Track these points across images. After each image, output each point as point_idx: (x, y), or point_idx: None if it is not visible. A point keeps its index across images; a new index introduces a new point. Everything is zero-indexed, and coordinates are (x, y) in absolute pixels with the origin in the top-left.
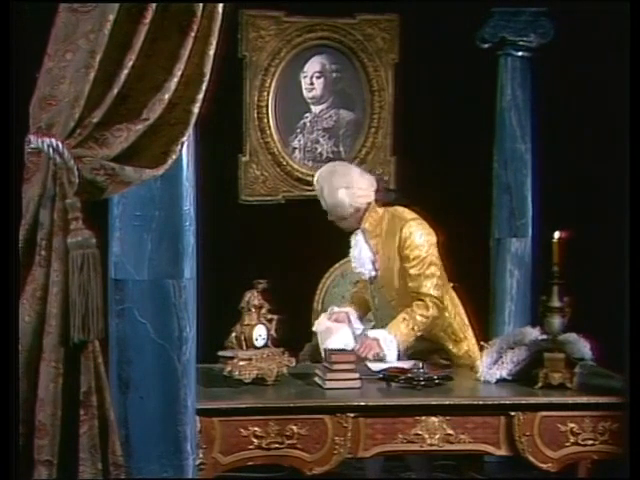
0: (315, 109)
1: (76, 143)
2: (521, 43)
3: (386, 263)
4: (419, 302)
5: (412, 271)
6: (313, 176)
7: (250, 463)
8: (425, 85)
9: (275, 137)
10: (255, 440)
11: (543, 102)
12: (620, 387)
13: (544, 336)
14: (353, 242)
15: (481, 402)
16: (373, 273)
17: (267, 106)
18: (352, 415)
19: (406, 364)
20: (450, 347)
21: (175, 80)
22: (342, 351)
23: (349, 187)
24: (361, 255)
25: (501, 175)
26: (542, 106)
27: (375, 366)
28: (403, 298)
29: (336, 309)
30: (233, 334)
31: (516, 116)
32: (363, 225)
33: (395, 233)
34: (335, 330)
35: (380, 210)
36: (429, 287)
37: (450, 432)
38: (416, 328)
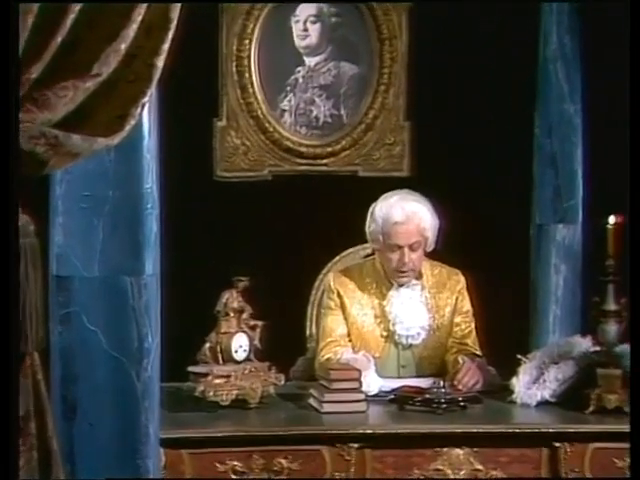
0: (309, 61)
1: None
2: None
3: (439, 322)
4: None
5: (464, 326)
6: (306, 146)
7: None
8: (447, 32)
9: (259, 96)
10: (235, 477)
11: (597, 52)
12: None
13: (596, 347)
14: (395, 295)
15: (517, 430)
16: (423, 336)
17: (249, 58)
18: (356, 445)
19: (423, 382)
20: None
21: (134, 27)
22: (343, 366)
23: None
24: (412, 314)
25: (544, 144)
26: (595, 57)
27: (372, 386)
28: (440, 368)
29: (348, 355)
30: (207, 345)
31: (563, 70)
32: (421, 274)
33: (445, 283)
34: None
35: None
36: (478, 349)
37: (479, 467)
38: None
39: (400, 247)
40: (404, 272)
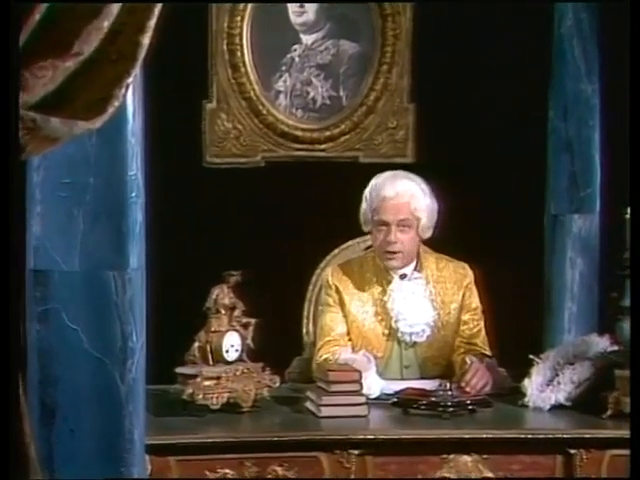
0: (306, 39)
1: None
2: None
3: (445, 319)
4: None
5: (472, 324)
6: (302, 130)
7: None
8: (456, 7)
9: (252, 77)
10: None
11: (615, 28)
12: None
13: (615, 347)
14: (397, 290)
15: (530, 435)
16: (428, 333)
17: (241, 35)
18: (356, 452)
19: (428, 384)
20: None
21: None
22: (342, 367)
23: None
24: (416, 309)
25: (559, 128)
26: (614, 34)
27: (373, 389)
28: (446, 369)
29: (347, 355)
30: (196, 344)
31: (580, 47)
32: (424, 266)
33: (451, 278)
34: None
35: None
36: (487, 349)
37: (489, 475)
38: None
39: (387, 224)
40: (391, 253)
